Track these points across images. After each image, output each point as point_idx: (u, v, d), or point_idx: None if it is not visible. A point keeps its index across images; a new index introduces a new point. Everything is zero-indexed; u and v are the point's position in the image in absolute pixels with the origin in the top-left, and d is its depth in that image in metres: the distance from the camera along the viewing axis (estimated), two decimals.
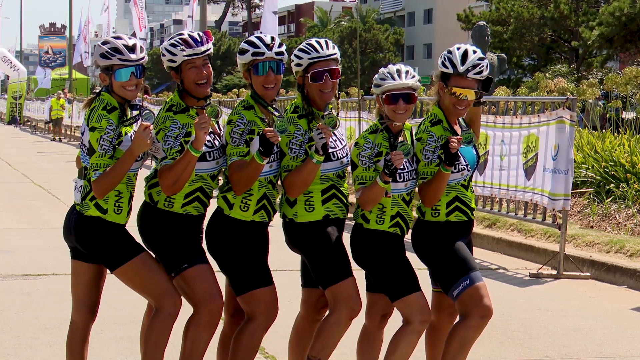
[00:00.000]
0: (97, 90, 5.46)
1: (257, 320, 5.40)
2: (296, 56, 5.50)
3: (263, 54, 5.39)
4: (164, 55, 5.40)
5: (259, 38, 5.46)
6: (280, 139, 5.26)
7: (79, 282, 5.53)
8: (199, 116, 5.26)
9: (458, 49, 5.54)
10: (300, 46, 5.52)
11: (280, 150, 5.45)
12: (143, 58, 5.38)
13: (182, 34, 5.42)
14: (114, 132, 5.24)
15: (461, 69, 5.47)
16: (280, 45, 5.44)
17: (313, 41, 5.50)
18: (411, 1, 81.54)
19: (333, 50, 5.49)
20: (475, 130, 5.72)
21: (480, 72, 5.49)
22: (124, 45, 5.33)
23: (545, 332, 7.92)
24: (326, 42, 5.51)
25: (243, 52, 5.46)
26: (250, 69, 5.42)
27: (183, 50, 5.33)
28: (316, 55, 5.44)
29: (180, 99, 5.42)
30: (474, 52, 5.52)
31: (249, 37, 5.63)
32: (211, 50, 5.45)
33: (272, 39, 5.45)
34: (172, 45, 5.37)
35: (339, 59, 5.55)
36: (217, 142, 5.43)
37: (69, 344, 5.58)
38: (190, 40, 5.36)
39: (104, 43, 5.37)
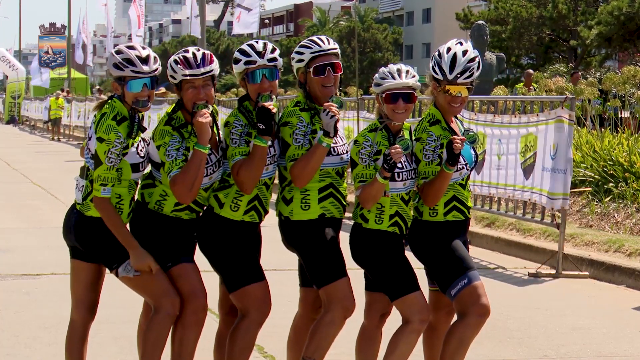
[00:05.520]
0: (110, 94, 5.45)
1: (250, 316, 5.41)
2: (297, 52, 5.51)
3: (255, 62, 5.39)
4: (168, 68, 5.38)
5: (251, 46, 5.45)
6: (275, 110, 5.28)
7: (78, 282, 5.54)
8: (196, 113, 5.26)
9: (448, 50, 5.49)
10: (301, 43, 5.55)
11: (282, 145, 5.46)
12: (156, 69, 5.36)
13: (187, 51, 5.36)
14: (121, 145, 5.24)
15: (450, 77, 5.46)
16: (273, 51, 5.44)
17: (314, 37, 5.54)
18: (410, 0, 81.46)
19: (334, 45, 5.53)
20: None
21: (470, 76, 5.48)
22: (137, 57, 5.30)
23: (544, 332, 7.92)
24: (327, 38, 5.55)
25: (236, 61, 5.47)
26: (244, 77, 5.44)
27: (182, 69, 5.32)
28: (318, 49, 5.46)
29: (180, 113, 5.41)
30: (464, 52, 5.47)
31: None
32: (215, 72, 5.39)
33: (265, 45, 5.44)
34: (175, 62, 5.35)
35: (340, 54, 5.57)
36: (212, 157, 5.41)
37: (68, 343, 5.59)
38: (191, 60, 5.31)
39: (118, 52, 5.34)
